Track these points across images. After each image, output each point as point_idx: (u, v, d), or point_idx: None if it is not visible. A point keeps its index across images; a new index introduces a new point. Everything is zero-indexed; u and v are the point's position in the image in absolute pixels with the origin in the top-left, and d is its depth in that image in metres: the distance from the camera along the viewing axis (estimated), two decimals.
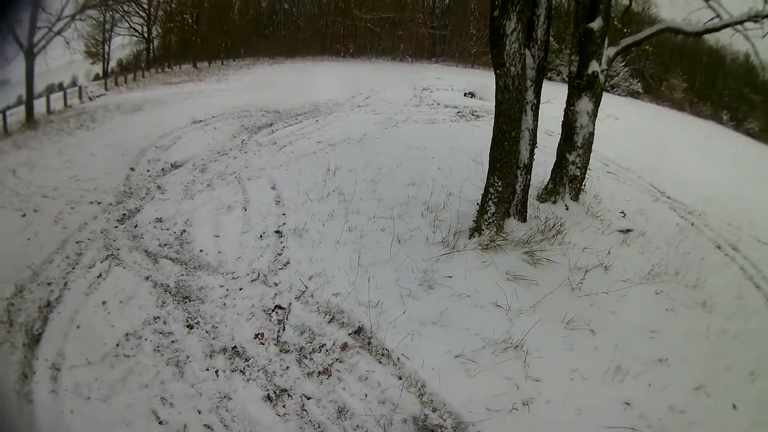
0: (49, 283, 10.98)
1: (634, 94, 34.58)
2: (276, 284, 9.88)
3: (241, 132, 19.84)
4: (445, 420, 7.03)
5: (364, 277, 9.47)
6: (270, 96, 24.86)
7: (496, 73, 9.74)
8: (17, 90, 27.45)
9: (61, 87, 30.44)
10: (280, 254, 10.82)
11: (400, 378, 7.65)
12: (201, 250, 11.43)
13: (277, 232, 11.61)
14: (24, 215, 14.12)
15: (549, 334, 8.23)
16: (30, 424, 7.57)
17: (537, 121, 10.55)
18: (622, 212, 12.34)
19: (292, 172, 14.74)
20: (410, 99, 24.32)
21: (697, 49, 34.56)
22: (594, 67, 11.40)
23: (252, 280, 10.15)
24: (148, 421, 7.49)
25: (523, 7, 9.34)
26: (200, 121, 21.62)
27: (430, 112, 21.29)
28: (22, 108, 25.52)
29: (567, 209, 11.63)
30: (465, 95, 27.23)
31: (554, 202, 11.79)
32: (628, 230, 11.57)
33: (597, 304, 9.04)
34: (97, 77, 33.83)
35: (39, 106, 25.46)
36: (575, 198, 11.98)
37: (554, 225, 10.69)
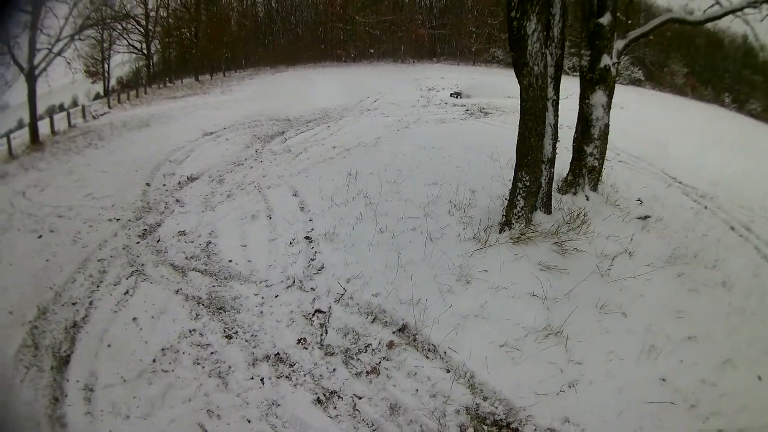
0: (73, 303, 11.06)
1: (636, 82, 34.68)
2: (313, 289, 10.01)
3: (254, 141, 19.93)
4: (496, 407, 7.25)
5: (403, 276, 9.66)
6: (278, 104, 24.93)
7: (518, 73, 9.93)
8: (18, 113, 27.54)
9: (62, 108, 30.54)
10: (313, 259, 10.94)
11: (449, 371, 7.85)
12: (230, 261, 11.54)
13: (307, 237, 11.71)
14: (40, 236, 14.29)
15: (584, 319, 8.49)
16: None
17: (557, 116, 10.71)
18: (639, 200, 12.48)
19: (312, 178, 14.84)
20: (417, 100, 24.45)
21: (695, 34, 34.64)
22: (606, 60, 11.56)
23: (287, 287, 10.27)
24: None
25: (542, 8, 9.56)
26: (211, 133, 21.76)
27: (439, 111, 21.35)
28: (26, 130, 25.63)
29: (587, 199, 11.77)
30: (451, 95, 27.25)
31: (575, 194, 11.93)
32: (646, 217, 11.70)
33: (625, 288, 9.23)
34: (97, 96, 33.91)
35: (42, 127, 25.61)
36: (594, 188, 12.12)
37: (578, 215, 10.84)
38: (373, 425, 7.32)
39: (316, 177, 15.03)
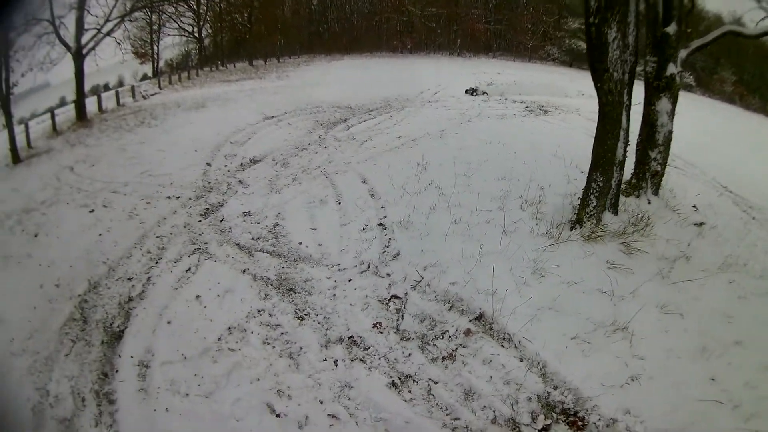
0: (129, 279, 11.35)
1: (687, 87, 34.44)
2: (388, 275, 10.25)
3: (317, 127, 20.14)
4: (566, 396, 7.53)
5: (480, 267, 9.90)
6: (338, 92, 25.01)
7: (597, 78, 10.18)
8: (60, 91, 27.77)
9: (107, 87, 30.66)
10: (387, 246, 11.18)
11: (522, 360, 8.10)
12: (300, 243, 11.78)
13: (381, 224, 11.98)
14: (92, 211, 14.61)
15: (647, 317, 8.69)
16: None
17: (629, 121, 10.90)
18: (695, 206, 12.60)
19: (381, 167, 14.99)
20: (477, 94, 24.58)
21: (744, 42, 34.40)
22: (671, 69, 11.72)
23: (361, 272, 10.51)
24: (261, 415, 7.79)
25: (621, 17, 9.76)
26: (272, 116, 22.00)
27: (500, 107, 21.27)
28: (69, 108, 25.78)
29: (650, 203, 11.94)
30: (466, 92, 26.86)
31: (638, 197, 12.07)
32: (701, 223, 11.82)
33: (683, 291, 9.37)
34: (145, 77, 33.99)
35: (88, 105, 26.00)
36: (656, 192, 12.26)
37: (642, 218, 11.07)
38: (447, 409, 7.57)
39: (385, 165, 15.23)
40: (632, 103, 11.01)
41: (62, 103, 27.95)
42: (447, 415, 7.53)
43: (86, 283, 11.47)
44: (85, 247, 12.97)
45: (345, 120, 22.05)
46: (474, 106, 21.88)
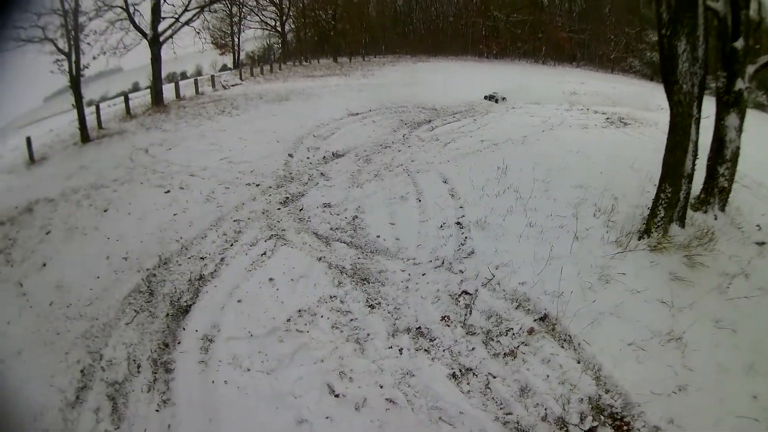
0: (201, 258, 11.90)
1: (759, 106, 33.73)
2: (461, 271, 10.57)
3: (401, 127, 20.29)
4: (615, 400, 7.75)
5: (549, 269, 10.11)
6: (423, 93, 25.02)
7: (668, 90, 10.38)
8: (133, 77, 28.35)
9: (184, 76, 31.23)
10: (463, 244, 11.45)
11: (579, 362, 8.39)
12: (378, 236, 12.24)
13: (458, 223, 12.23)
14: (167, 192, 15.17)
15: (702, 330, 8.76)
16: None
17: (698, 134, 10.99)
18: (758, 226, 12.51)
19: (462, 168, 15.09)
20: (561, 103, 23.80)
21: None
22: (739, 84, 11.64)
23: (436, 267, 10.87)
24: (320, 394, 8.23)
25: (690, 29, 9.95)
26: (357, 113, 22.20)
27: (582, 117, 20.95)
28: (144, 93, 26.35)
29: (716, 219, 11.91)
30: (485, 98, 26.15)
31: (705, 212, 12.04)
32: (763, 243, 11.77)
33: (739, 307, 9.37)
34: (224, 68, 34.51)
35: (165, 92, 26.52)
36: (722, 208, 12.22)
37: (707, 233, 11.10)
38: (501, 404, 7.92)
39: (466, 167, 15.31)
40: (705, 117, 11.08)
41: (135, 88, 28.59)
42: (500, 409, 7.84)
43: (156, 259, 12.08)
44: (158, 225, 13.58)
45: (429, 121, 22.11)
46: (556, 114, 21.69)
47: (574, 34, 38.20)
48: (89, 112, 22.14)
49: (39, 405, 9.12)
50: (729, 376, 8.04)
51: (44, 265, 13.05)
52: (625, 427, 7.44)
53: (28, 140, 20.06)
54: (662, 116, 11.56)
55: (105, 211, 14.85)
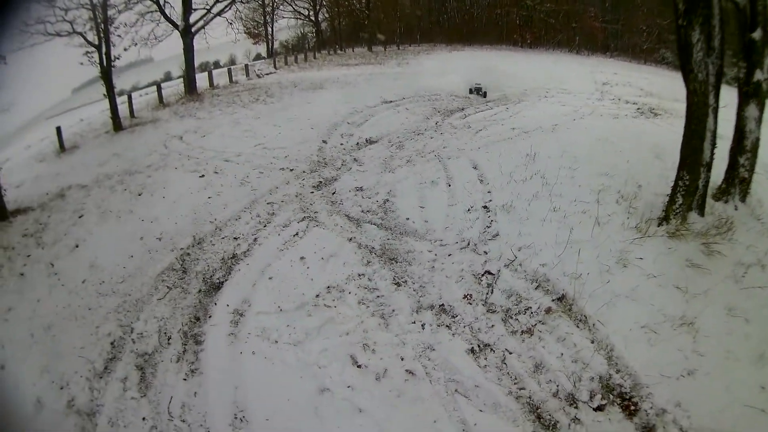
0: (235, 238, 12.34)
1: None
2: (485, 252, 10.90)
3: (434, 114, 20.43)
4: (625, 381, 8.02)
5: (569, 252, 10.37)
6: (457, 81, 24.92)
7: (685, 78, 10.60)
8: (164, 67, 28.68)
9: (217, 65, 31.54)
10: (488, 227, 11.75)
11: (593, 342, 8.66)
12: (407, 219, 12.62)
13: (485, 207, 12.52)
14: (202, 176, 15.58)
15: (714, 317, 8.85)
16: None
17: (717, 123, 11.00)
18: None
19: (492, 155, 15.23)
20: (592, 93, 23.22)
21: None
22: (758, 75, 11.57)
23: (461, 248, 11.22)
24: (343, 365, 8.71)
25: (704, 20, 10.16)
26: (391, 101, 22.38)
27: (613, 107, 20.62)
28: (176, 82, 26.64)
29: (736, 209, 11.85)
30: (471, 92, 25.81)
31: (726, 202, 12.00)
32: None
33: (753, 297, 9.33)
34: (258, 57, 34.71)
35: (198, 81, 26.80)
36: (743, 199, 12.16)
37: (726, 222, 11.13)
38: (515, 379, 8.27)
39: (496, 154, 15.44)
40: (723, 107, 11.10)
41: (167, 78, 28.93)
42: (514, 383, 8.20)
43: (190, 239, 12.61)
44: (193, 207, 14.05)
45: (462, 109, 22.21)
46: (588, 104, 21.53)
47: (607, 25, 37.87)
48: (120, 101, 22.50)
49: (64, 378, 9.65)
50: (738, 365, 8.13)
51: (77, 246, 13.44)
52: (632, 407, 7.68)
53: (58, 129, 20.40)
54: None
55: (139, 195, 15.29)
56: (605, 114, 19.18)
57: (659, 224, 10.95)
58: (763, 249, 10.44)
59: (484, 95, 24.58)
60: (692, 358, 8.22)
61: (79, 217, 14.74)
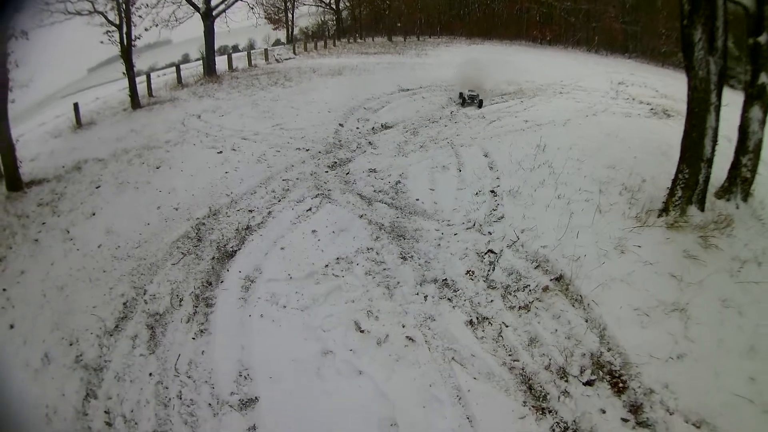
0: (250, 211, 12.76)
1: None
2: (490, 233, 11.39)
3: (449, 104, 20.62)
4: (615, 359, 8.40)
5: (569, 236, 10.91)
6: (474, 74, 24.95)
7: (687, 75, 11.03)
8: (182, 49, 28.87)
9: (236, 49, 31.70)
10: (494, 210, 12.22)
11: (587, 321, 9.11)
12: (417, 199, 13.03)
13: (492, 191, 12.97)
14: (220, 152, 15.98)
15: (707, 306, 9.16)
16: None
17: (719, 121, 11.26)
18: None
19: (503, 144, 15.58)
20: (607, 91, 22.84)
21: None
22: (763, 78, 11.77)
23: (467, 228, 11.69)
24: (347, 330, 9.16)
25: (706, 20, 10.57)
26: (408, 89, 22.56)
27: (626, 106, 20.47)
28: (195, 64, 26.79)
29: (737, 208, 12.05)
30: (463, 101, 21.82)
31: (728, 200, 12.15)
32: None
33: (748, 292, 9.60)
34: (277, 42, 34.79)
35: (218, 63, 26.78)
36: (744, 199, 12.35)
37: (725, 218, 11.37)
38: (510, 350, 8.69)
39: (507, 143, 15.84)
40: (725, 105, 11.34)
41: (185, 60, 29.10)
42: (509, 355, 8.61)
43: (207, 209, 12.99)
44: (210, 181, 14.43)
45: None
46: (602, 102, 21.53)
47: (627, 26, 37.69)
48: (139, 81, 22.37)
49: (74, 335, 10.00)
50: (728, 354, 8.38)
51: (93, 214, 13.74)
52: (621, 384, 8.01)
53: (76, 105, 20.49)
54: None
55: (157, 168, 15.62)
56: (618, 112, 19.28)
57: (659, 215, 11.28)
58: (761, 247, 10.70)
59: (479, 104, 21.27)
60: (683, 342, 8.52)
61: (96, 187, 14.98)
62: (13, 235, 13.54)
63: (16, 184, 15.77)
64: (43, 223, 13.77)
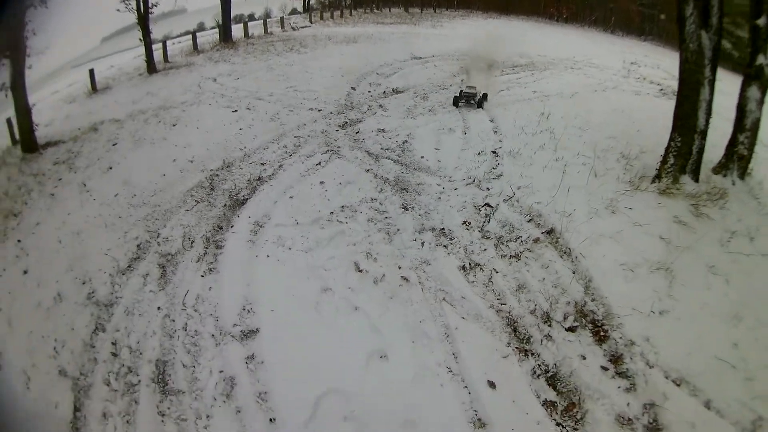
0: (262, 164, 13.29)
1: None
2: (488, 189, 11.93)
3: (461, 73, 20.47)
4: (598, 309, 8.85)
5: (562, 194, 11.23)
6: (487, 46, 24.86)
7: (680, 48, 11.52)
8: (197, 18, 29.02)
9: (251, 17, 31.76)
10: (494, 168, 12.74)
11: (574, 272, 9.52)
12: (422, 157, 13.49)
13: (494, 152, 13.48)
14: (235, 111, 16.45)
15: (694, 270, 9.43)
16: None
17: (713, 94, 11.64)
18: None
19: (509, 111, 15.93)
20: (619, 70, 22.80)
21: None
22: (761, 60, 12.05)
23: (467, 184, 12.22)
24: (347, 270, 9.76)
25: None
26: (420, 57, 22.78)
27: (636, 84, 20.39)
28: (210, 32, 26.92)
29: (733, 184, 12.28)
30: (458, 101, 17.37)
31: (724, 176, 12.36)
32: None
33: (736, 262, 9.80)
34: (294, 11, 34.76)
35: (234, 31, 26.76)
36: (741, 176, 12.56)
37: (720, 191, 11.65)
38: (499, 295, 9.26)
39: (513, 111, 16.16)
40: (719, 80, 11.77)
41: (201, 28, 29.21)
42: (497, 299, 9.16)
43: (220, 162, 13.48)
44: (224, 137, 14.88)
45: (489, 68, 21.80)
46: (612, 80, 21.46)
47: (644, 8, 37.46)
48: (154, 48, 22.38)
49: (87, 275, 10.59)
50: (712, 318, 8.65)
51: (110, 168, 14.18)
52: (602, 334, 8.43)
53: (91, 71, 20.56)
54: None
55: (173, 125, 16.04)
56: (628, 90, 19.38)
57: (652, 181, 11.65)
58: (755, 224, 10.93)
59: (479, 104, 17.15)
60: (666, 300, 8.85)
61: (113, 145, 15.39)
62: (29, 192, 13.84)
63: (31, 146, 16.08)
64: (60, 179, 14.17)
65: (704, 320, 8.62)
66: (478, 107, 16.88)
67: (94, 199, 12.94)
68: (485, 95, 17.36)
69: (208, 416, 7.93)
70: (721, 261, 9.72)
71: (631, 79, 21.20)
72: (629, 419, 7.50)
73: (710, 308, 8.80)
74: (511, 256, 10.01)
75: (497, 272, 9.68)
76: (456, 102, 17.05)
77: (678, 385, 7.73)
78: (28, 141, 16.08)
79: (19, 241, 12.14)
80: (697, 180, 11.77)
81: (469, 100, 17.05)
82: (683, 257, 9.68)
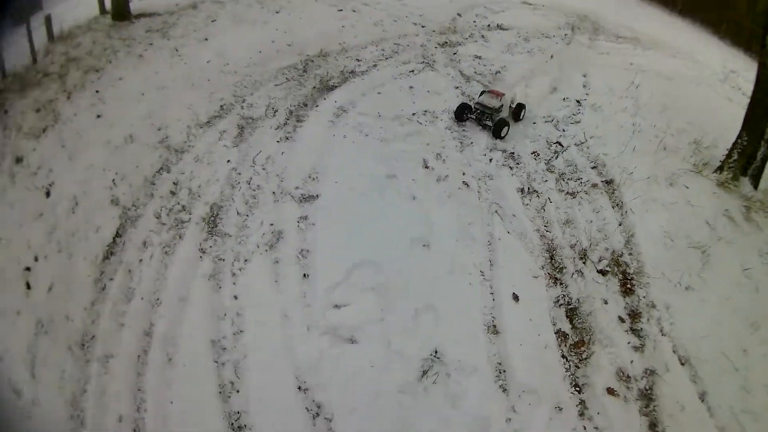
0: (358, 60, 13.75)
1: None
2: (564, 130, 12.33)
3: (565, 27, 20.03)
4: (632, 263, 9.37)
5: (628, 152, 11.60)
6: (598, 9, 24.54)
7: (759, 54, 11.65)
8: None
9: None
10: (575, 114, 12.98)
11: (620, 224, 9.97)
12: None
13: (578, 101, 13.61)
14: (341, 10, 16.75)
15: (729, 264, 9.61)
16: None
17: None
18: None
19: (603, 72, 15.72)
20: (717, 73, 20.28)
21: None
22: None
23: (546, 121, 12.62)
24: (415, 165, 10.43)
25: None
26: (531, 4, 22.14)
27: (730, 91, 18.74)
28: None
29: None
30: (462, 116, 13.36)
31: None
32: None
33: None
34: None
35: None
36: None
37: None
38: (547, 222, 9.92)
39: (607, 72, 15.57)
40: None
41: None
42: (544, 226, 9.77)
43: (318, 50, 13.97)
44: (326, 30, 15.28)
45: (595, 30, 21.22)
46: (708, 78, 18.94)
47: (755, 25, 35.95)
48: None
49: (164, 122, 11.37)
50: (733, 314, 8.82)
51: (206, 39, 14.70)
52: (629, 286, 8.88)
53: None
54: None
55: (277, 12, 16.45)
56: (721, 93, 18.80)
57: (714, 171, 11.67)
58: None
59: (500, 125, 11.62)
60: (695, 278, 9.13)
61: (212, 21, 15.80)
62: (115, 52, 14.37)
63: (124, 15, 16.25)
64: (150, 44, 14.63)
65: (725, 313, 8.79)
66: (497, 129, 11.65)
67: (185, 63, 13.47)
68: (521, 106, 12.52)
69: (246, 260, 8.61)
70: (756, 268, 9.70)
71: (726, 85, 21.02)
72: (628, 376, 7.81)
73: (733, 305, 8.95)
74: (567, 193, 10.48)
75: (551, 202, 10.20)
76: (460, 115, 11.91)
77: (682, 364, 8.01)
78: (120, 9, 16.32)
79: (97, 91, 12.69)
80: (756, 187, 11.73)
81: (482, 117, 11.92)
82: (723, 248, 9.80)
